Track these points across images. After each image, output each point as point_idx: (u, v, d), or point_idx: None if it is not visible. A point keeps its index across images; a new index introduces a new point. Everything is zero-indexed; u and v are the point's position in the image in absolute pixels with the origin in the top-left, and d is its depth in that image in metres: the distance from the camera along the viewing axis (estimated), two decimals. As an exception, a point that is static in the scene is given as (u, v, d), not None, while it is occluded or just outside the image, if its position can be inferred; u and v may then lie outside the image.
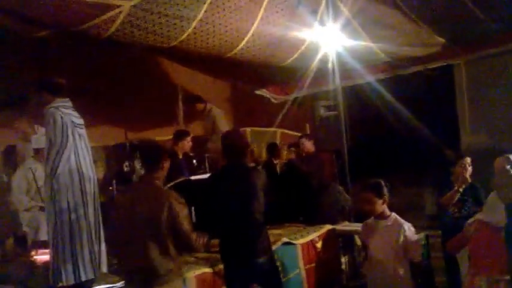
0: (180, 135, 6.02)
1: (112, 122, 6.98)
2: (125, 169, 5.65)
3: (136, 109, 7.14)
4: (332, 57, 6.32)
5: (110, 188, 5.21)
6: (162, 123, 7.41)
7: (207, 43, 5.85)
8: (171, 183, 5.21)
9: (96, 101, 6.32)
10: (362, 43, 6.58)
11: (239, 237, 3.80)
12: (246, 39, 5.91)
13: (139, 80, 7.29)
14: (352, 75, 7.46)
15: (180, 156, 5.75)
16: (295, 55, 6.85)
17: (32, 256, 4.23)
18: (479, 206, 4.28)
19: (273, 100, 8.89)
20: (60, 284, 3.73)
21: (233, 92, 9.65)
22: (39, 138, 4.99)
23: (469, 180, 4.56)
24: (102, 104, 6.50)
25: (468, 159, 4.70)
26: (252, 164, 4.41)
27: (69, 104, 3.96)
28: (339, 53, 6.34)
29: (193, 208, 5.51)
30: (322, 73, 6.92)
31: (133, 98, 7.13)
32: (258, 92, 8.70)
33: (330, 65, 6.39)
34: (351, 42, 6.37)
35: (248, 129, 8.49)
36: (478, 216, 3.47)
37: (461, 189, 4.50)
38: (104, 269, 3.99)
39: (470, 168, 4.62)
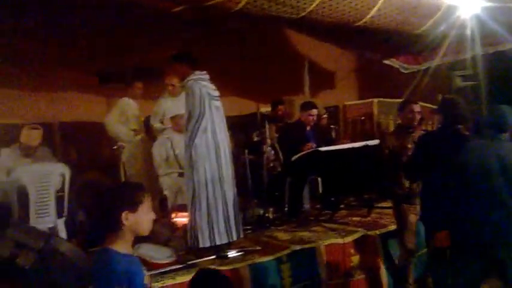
0: (304, 107, 5.99)
1: (243, 92, 7.20)
2: (255, 138, 5.80)
3: (266, 80, 7.28)
4: (471, 21, 5.83)
5: (242, 156, 5.39)
6: (290, 94, 7.47)
7: (337, 12, 5.71)
8: (299, 154, 5.28)
9: (228, 72, 6.53)
10: (505, 4, 5.97)
11: None
12: (377, 6, 5.66)
13: (268, 52, 7.40)
14: (494, 41, 6.83)
15: (308, 128, 5.74)
16: (430, 21, 6.43)
17: (172, 218, 4.55)
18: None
19: (402, 70, 8.49)
20: (197, 246, 4.00)
21: (360, 62, 9.41)
22: (175, 105, 5.31)
23: None
24: (233, 76, 6.71)
25: None
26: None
27: (207, 76, 4.14)
28: (479, 16, 5.82)
29: (320, 179, 5.55)
30: (459, 40, 6.45)
31: (262, 69, 7.27)
32: (386, 62, 8.36)
33: (468, 31, 5.91)
34: (492, 4, 5.80)
35: (375, 100, 8.26)
36: None
37: None
38: (239, 235, 4.16)
39: None
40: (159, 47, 6.47)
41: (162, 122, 5.53)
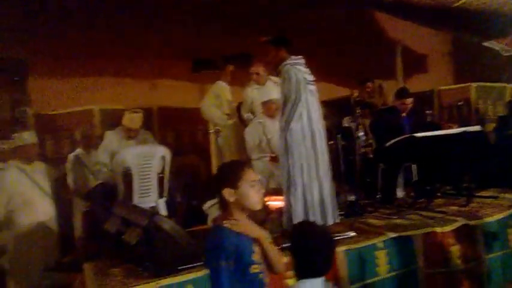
0: (398, 95, 5.79)
1: (334, 77, 7.12)
2: (346, 124, 5.71)
3: (357, 64, 7.15)
4: None
5: (331, 142, 5.33)
6: (381, 78, 7.29)
7: (434, -7, 5.49)
8: (393, 140, 5.16)
9: (320, 56, 6.48)
10: None
11: None
12: (479, -15, 5.37)
13: (359, 36, 7.25)
14: None
15: (404, 114, 5.57)
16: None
17: (266, 202, 4.61)
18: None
19: (503, 53, 8.01)
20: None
21: (456, 44, 8.96)
22: (265, 91, 5.36)
23: None
24: (325, 60, 6.65)
25: None
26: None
27: (302, 61, 4.13)
28: None
29: (415, 166, 5.39)
30: None
31: (353, 53, 7.15)
32: (486, 44, 7.91)
33: None
34: None
35: (473, 85, 7.84)
36: None
37: None
38: (334, 220, 4.15)
39: None
40: (251, 32, 6.57)
41: (251, 112, 5.60)
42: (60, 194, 5.40)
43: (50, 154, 6.45)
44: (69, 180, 5.61)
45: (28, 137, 5.02)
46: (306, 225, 2.53)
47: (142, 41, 7.12)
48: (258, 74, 5.50)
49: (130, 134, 5.23)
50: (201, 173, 5.87)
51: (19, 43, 6.88)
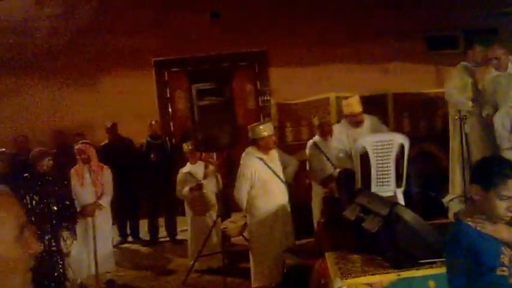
0: None
1: None
2: None
3: None
4: None
5: None
6: None
7: None
8: None
9: None
10: None
11: None
12: None
13: None
14: None
15: None
16: None
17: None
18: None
19: None
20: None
21: None
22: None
23: None
24: None
25: None
26: None
27: None
28: None
29: None
30: None
31: None
32: None
33: None
34: None
35: None
36: None
37: None
38: None
39: None
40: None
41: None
42: (298, 179, 5.64)
43: (290, 140, 6.86)
44: (308, 166, 5.87)
45: (265, 129, 5.24)
46: None
47: (369, 23, 7.04)
48: (497, 58, 4.86)
49: (355, 120, 5.26)
50: (440, 162, 5.49)
51: (261, 36, 7.50)
